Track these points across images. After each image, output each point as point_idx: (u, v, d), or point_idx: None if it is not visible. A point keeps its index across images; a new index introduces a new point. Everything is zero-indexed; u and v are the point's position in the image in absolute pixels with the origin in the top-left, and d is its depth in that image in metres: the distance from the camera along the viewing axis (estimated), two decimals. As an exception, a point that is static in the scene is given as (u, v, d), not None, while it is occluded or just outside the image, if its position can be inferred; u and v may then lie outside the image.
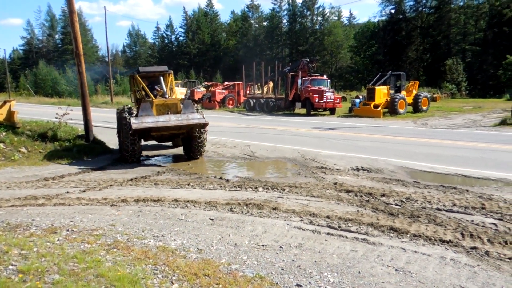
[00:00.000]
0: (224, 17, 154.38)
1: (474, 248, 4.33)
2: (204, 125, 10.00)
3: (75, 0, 12.27)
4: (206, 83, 44.81)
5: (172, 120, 9.67)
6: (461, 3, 58.75)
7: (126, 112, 9.92)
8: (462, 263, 3.98)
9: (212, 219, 5.45)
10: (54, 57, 77.63)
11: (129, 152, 9.86)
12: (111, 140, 13.05)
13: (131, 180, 8.15)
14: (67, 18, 56.38)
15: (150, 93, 10.62)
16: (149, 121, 9.48)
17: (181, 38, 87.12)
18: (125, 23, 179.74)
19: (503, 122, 17.87)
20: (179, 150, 12.17)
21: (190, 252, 4.30)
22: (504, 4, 51.89)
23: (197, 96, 36.46)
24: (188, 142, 10.74)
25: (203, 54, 78.21)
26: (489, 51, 52.08)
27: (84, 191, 7.19)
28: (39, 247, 4.26)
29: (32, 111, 26.40)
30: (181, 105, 10.20)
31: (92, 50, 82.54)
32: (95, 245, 4.40)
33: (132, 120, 9.37)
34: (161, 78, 11.04)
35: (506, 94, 38.54)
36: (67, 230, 4.91)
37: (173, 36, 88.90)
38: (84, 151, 11.23)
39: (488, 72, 50.68)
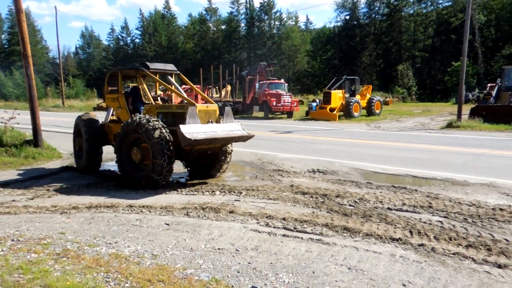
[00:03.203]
0: (182, 19, 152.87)
1: (422, 245, 4.53)
2: (249, 138, 8.16)
3: (23, -1, 11.73)
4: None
5: (218, 130, 7.65)
6: (411, 11, 61.46)
7: (152, 120, 7.46)
8: (410, 260, 4.15)
9: (167, 224, 5.37)
10: (0, 59, 73.79)
11: (164, 172, 7.32)
12: (62, 145, 12.59)
13: (84, 186, 7.87)
14: (14, 17, 53.85)
15: (186, 96, 8.46)
16: (201, 130, 7.33)
17: (137, 40, 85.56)
18: (78, 24, 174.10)
19: (449, 125, 18.86)
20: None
21: (145, 258, 4.22)
22: (451, 13, 54.82)
23: (153, 100, 35.80)
24: (208, 158, 8.66)
25: (160, 56, 77.04)
26: (437, 58, 54.82)
27: (32, 199, 6.86)
28: (-19, 259, 4.03)
29: (-24, 115, 24.94)
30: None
31: (41, 51, 79.22)
32: (43, 254, 4.22)
33: (183, 128, 7.09)
34: (170, 78, 9.23)
35: (452, 98, 40.64)
36: (12, 240, 4.67)
37: (128, 38, 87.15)
38: (32, 156, 10.74)
39: (436, 77, 53.34)
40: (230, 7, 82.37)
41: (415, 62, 57.57)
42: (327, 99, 25.44)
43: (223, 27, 78.55)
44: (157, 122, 7.43)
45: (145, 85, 9.06)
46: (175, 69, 9.19)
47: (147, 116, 7.63)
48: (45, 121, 14.67)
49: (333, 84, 27.04)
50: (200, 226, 5.30)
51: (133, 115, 8.19)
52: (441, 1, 59.46)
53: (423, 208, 5.99)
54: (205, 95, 9.45)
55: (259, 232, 5.05)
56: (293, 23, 76.63)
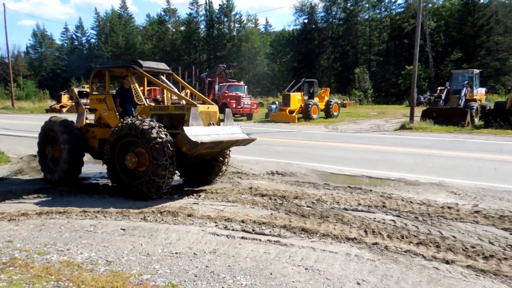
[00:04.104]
0: (140, 20, 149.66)
1: (376, 243, 4.67)
2: (250, 141, 7.88)
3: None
4: (120, 87, 43.09)
5: (220, 134, 7.19)
6: (366, 16, 63.47)
7: (147, 121, 6.85)
8: (365, 258, 4.26)
9: (123, 229, 5.24)
10: None
11: (166, 179, 6.69)
12: (11, 149, 12.00)
13: (35, 191, 7.51)
14: (-41, 14, 50.42)
15: (184, 97, 7.97)
16: (205, 133, 6.82)
17: (92, 40, 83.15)
18: (29, 22, 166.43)
19: (403, 127, 19.60)
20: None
21: (98, 265, 4.09)
22: (403, 19, 57.07)
23: (110, 101, 35.05)
24: (203, 164, 8.05)
25: (117, 57, 75.20)
26: (391, 61, 56.87)
27: (-23, 206, 6.49)
28: None
29: None
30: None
31: (-11, 50, 75.22)
32: (-12, 264, 4.00)
33: (188, 130, 6.54)
34: (163, 78, 8.43)
35: (405, 101, 42.23)
36: (-45, 250, 4.40)
37: (83, 38, 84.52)
38: (-22, 161, 10.16)
39: (391, 80, 55.29)
40: (189, 8, 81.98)
41: (371, 66, 59.42)
42: (286, 101, 25.73)
43: (182, 28, 77.80)
44: (152, 122, 6.82)
45: (136, 85, 8.27)
46: (168, 68, 8.60)
47: (140, 117, 7.06)
48: (-7, 123, 13.95)
49: (292, 87, 27.40)
50: (158, 230, 5.20)
51: (123, 118, 7.47)
52: (394, 7, 61.88)
53: (377, 208, 6.18)
54: (204, 97, 8.83)
55: (217, 235, 5.03)
56: (253, 25, 77.07)
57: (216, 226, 5.40)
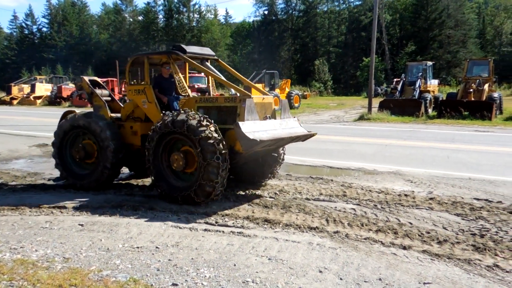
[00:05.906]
0: (95, 8, 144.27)
1: (337, 232, 4.77)
2: (310, 136, 7.08)
3: None
4: (75, 79, 41.50)
5: (278, 129, 6.32)
6: (325, 8, 64.31)
7: (198, 116, 5.88)
8: (326, 247, 4.34)
9: (81, 225, 5.06)
10: None
11: (220, 181, 5.78)
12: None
13: (-17, 188, 7.13)
14: None
15: (236, 87, 6.87)
16: (262, 129, 5.94)
17: (44, 29, 79.17)
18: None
19: (361, 118, 20.08)
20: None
21: (55, 262, 3.93)
22: (361, 12, 58.32)
23: (65, 93, 33.85)
24: (252, 163, 7.15)
25: (72, 47, 72.13)
26: (349, 54, 58.04)
27: None
28: None
29: None
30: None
31: None
32: None
33: (244, 127, 5.62)
34: (209, 65, 7.40)
35: (363, 92, 43.27)
36: None
37: (34, 27, 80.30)
38: None
39: (349, 72, 56.47)
40: (147, -3, 79.56)
41: (330, 58, 60.36)
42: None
43: (140, 18, 75.68)
44: (202, 117, 5.90)
45: (180, 74, 7.30)
46: (213, 53, 7.63)
47: (186, 111, 6.07)
48: None
49: (253, 78, 27.38)
50: (118, 225, 5.07)
51: (164, 112, 6.51)
52: (352, 0, 63.05)
53: (338, 197, 6.31)
54: (257, 86, 7.77)
55: (180, 228, 4.97)
56: (212, 16, 76.13)
57: (179, 219, 5.34)
